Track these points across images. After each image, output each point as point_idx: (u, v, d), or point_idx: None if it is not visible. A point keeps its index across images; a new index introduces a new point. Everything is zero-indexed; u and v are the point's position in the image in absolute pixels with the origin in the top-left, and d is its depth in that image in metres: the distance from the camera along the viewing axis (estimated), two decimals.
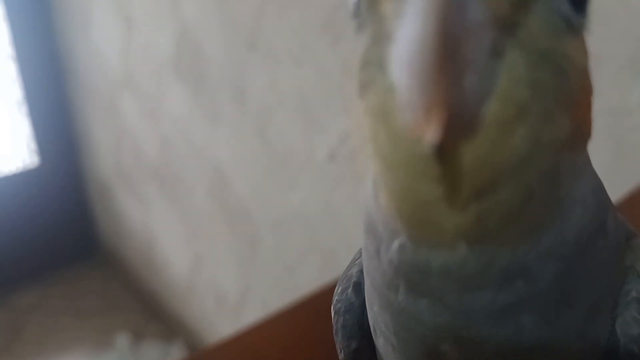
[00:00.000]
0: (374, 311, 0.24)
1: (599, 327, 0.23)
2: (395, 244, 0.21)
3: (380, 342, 0.25)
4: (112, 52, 1.73)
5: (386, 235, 0.21)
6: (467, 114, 0.15)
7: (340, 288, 0.28)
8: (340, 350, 0.27)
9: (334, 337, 0.27)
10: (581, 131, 0.19)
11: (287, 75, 1.11)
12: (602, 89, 0.78)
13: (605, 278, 0.23)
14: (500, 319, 0.20)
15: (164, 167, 1.69)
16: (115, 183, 1.97)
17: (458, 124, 0.15)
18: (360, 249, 0.27)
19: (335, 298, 0.28)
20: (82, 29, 1.80)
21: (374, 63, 0.18)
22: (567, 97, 0.17)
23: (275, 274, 1.41)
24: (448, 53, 0.14)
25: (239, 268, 1.54)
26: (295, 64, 1.07)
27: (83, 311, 1.88)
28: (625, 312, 0.23)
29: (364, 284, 0.26)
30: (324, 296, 0.61)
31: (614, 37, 0.75)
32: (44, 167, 1.97)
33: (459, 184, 0.17)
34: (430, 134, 0.15)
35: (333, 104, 1.03)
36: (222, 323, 1.63)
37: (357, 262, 0.28)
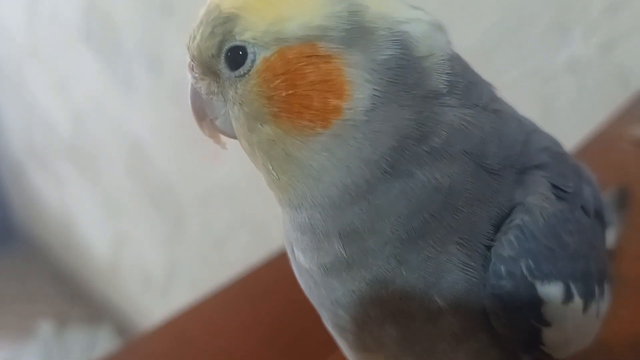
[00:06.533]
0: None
1: (441, 257, 0.26)
2: None
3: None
4: (15, 21, 1.63)
5: None
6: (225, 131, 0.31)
7: None
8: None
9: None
10: (301, 125, 0.26)
11: None
12: (529, 52, 0.76)
13: (438, 211, 0.26)
14: (303, 233, 0.29)
15: (78, 142, 1.62)
16: (28, 162, 1.89)
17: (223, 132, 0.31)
18: None
19: None
20: None
21: None
22: (259, 115, 0.27)
23: (203, 251, 1.37)
24: (196, 110, 0.31)
25: (164, 246, 1.49)
26: None
27: (1, 299, 1.79)
28: (503, 237, 0.27)
29: None
30: (255, 275, 0.58)
31: None
32: None
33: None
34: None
35: None
36: (149, 303, 1.59)
37: None
